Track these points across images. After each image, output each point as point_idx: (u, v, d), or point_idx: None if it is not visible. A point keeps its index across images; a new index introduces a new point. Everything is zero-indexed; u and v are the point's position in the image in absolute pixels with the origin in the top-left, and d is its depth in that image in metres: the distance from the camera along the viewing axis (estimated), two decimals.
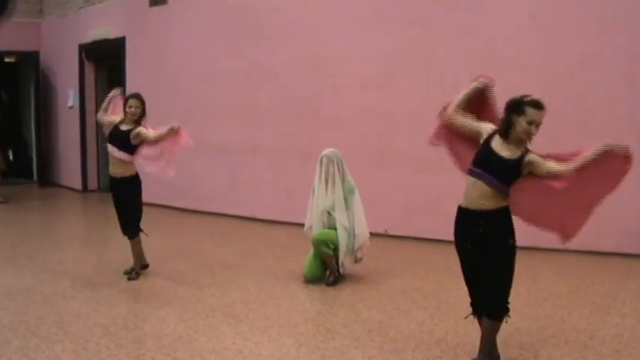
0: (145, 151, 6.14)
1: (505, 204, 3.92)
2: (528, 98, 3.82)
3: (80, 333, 4.77)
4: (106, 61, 12.75)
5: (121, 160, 6.18)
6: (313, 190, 6.38)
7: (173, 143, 6.04)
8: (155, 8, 11.06)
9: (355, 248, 6.24)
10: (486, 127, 3.99)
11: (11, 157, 14.09)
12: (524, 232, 4.01)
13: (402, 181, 8.34)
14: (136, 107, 6.17)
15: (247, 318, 5.17)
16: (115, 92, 6.58)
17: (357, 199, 6.26)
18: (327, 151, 6.32)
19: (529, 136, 3.82)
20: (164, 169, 6.07)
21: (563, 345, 4.54)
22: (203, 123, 10.34)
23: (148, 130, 6.13)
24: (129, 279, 6.30)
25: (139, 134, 6.10)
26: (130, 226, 6.37)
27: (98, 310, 5.34)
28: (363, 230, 6.25)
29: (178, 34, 10.73)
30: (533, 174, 3.86)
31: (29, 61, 13.94)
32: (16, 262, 7.01)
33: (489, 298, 3.94)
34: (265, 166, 9.67)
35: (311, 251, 6.31)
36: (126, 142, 6.12)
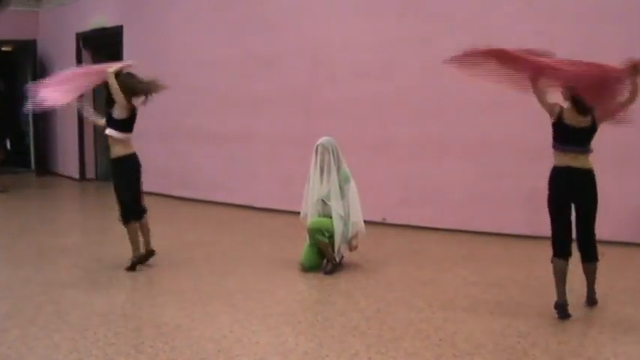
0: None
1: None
2: None
3: (78, 321, 4.78)
4: (103, 49, 12.68)
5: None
6: (309, 179, 6.38)
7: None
8: None
9: (350, 236, 6.25)
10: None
11: (9, 146, 14.05)
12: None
13: (399, 169, 8.34)
14: None
15: (245, 306, 5.18)
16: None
17: (352, 187, 6.26)
18: (322, 139, 6.30)
19: None
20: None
21: None
22: (201, 111, 10.34)
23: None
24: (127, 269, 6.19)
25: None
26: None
27: (96, 299, 5.34)
28: (357, 218, 6.24)
29: (176, 22, 10.70)
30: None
31: (27, 49, 13.90)
32: (14, 252, 7.02)
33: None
34: (263, 155, 9.67)
35: (308, 240, 6.33)
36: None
